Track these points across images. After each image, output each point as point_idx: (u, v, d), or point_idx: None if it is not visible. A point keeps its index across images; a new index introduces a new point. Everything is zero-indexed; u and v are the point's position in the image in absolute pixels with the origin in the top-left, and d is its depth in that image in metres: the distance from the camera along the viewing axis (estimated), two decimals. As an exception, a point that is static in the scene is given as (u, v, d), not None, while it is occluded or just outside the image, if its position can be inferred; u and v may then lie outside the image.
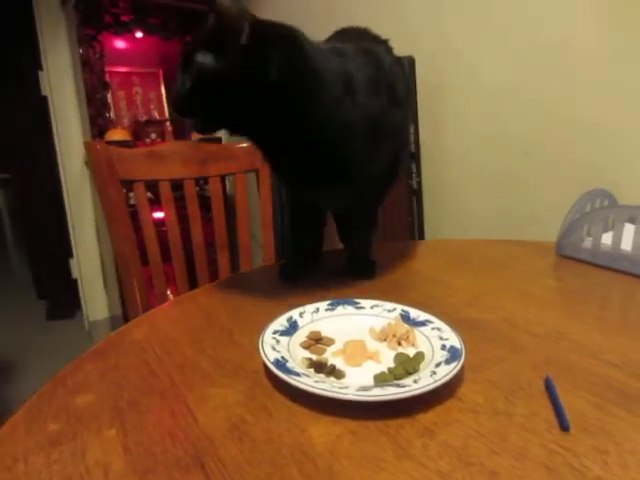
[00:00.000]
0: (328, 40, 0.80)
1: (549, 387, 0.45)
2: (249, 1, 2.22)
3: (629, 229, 0.76)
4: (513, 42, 1.15)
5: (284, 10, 1.97)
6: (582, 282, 0.76)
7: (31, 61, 2.25)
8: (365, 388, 0.43)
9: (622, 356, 0.51)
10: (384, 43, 0.81)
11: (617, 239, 0.78)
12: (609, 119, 1.01)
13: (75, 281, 2.47)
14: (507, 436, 0.39)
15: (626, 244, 0.77)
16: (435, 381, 0.43)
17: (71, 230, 2.37)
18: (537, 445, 0.38)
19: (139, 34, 2.15)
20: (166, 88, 2.37)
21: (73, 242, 2.39)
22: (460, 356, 0.47)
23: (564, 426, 0.40)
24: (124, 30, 2.07)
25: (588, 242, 0.83)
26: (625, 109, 0.98)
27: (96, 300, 2.47)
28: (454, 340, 0.51)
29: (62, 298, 2.67)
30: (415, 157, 1.28)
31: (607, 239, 0.79)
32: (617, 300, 0.72)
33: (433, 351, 0.50)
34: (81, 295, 2.46)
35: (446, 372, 0.44)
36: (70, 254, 2.44)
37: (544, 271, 0.83)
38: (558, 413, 0.41)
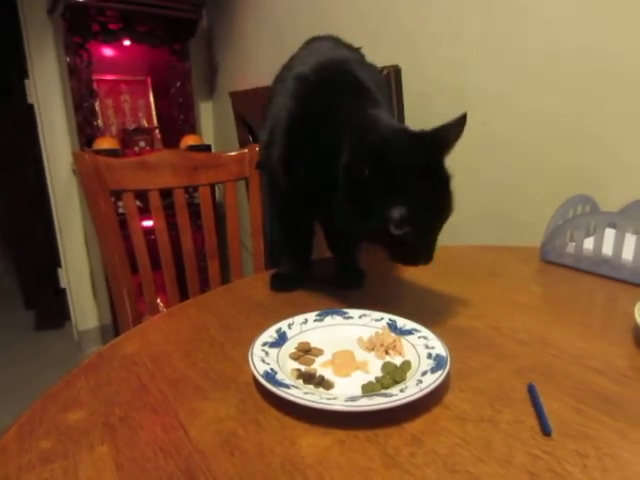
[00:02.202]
0: (300, 51, 0.82)
1: (532, 393, 0.46)
2: (232, 13, 2.23)
3: (610, 234, 0.78)
4: (499, 50, 1.17)
5: (268, 21, 1.98)
6: (566, 288, 0.78)
7: (17, 69, 2.24)
8: (353, 398, 0.44)
9: (605, 362, 0.53)
10: (356, 51, 0.82)
11: (598, 244, 0.80)
12: (592, 126, 1.03)
13: (63, 290, 2.45)
14: (492, 443, 0.40)
15: (607, 249, 0.79)
16: (421, 390, 0.44)
17: (59, 239, 2.35)
18: (521, 451, 0.39)
19: (127, 42, 2.14)
20: (154, 96, 2.36)
21: (61, 251, 2.37)
22: (446, 364, 0.48)
23: (546, 431, 0.41)
24: (112, 38, 2.07)
25: (571, 247, 0.85)
26: (607, 118, 1.00)
27: (85, 309, 2.45)
28: (440, 348, 0.52)
29: (50, 308, 2.64)
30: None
31: (589, 244, 0.81)
32: (600, 305, 0.74)
33: (419, 360, 0.51)
34: (70, 305, 2.44)
35: (432, 380, 0.45)
36: (58, 263, 2.42)
37: (529, 277, 0.84)
38: (541, 419, 0.43)
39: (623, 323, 0.61)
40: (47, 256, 2.55)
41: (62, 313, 2.57)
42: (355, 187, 0.59)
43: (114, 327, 2.21)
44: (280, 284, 0.79)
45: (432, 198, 0.58)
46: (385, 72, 1.18)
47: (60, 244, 2.36)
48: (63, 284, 2.44)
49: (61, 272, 2.43)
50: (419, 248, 0.59)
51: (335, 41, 0.81)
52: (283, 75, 0.77)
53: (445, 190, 0.60)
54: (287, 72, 0.76)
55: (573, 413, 0.44)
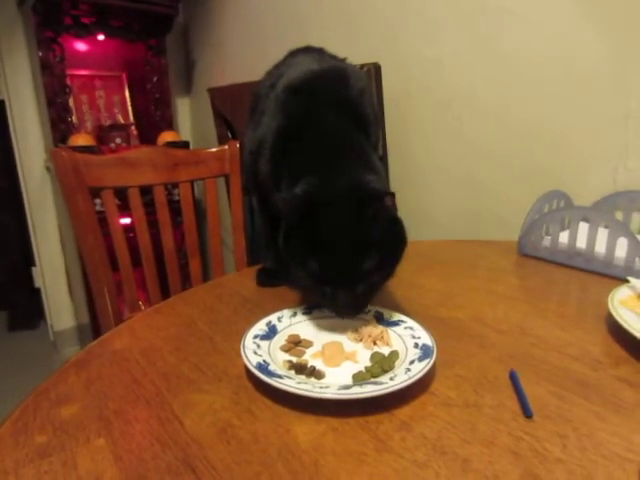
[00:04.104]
0: (283, 62, 0.82)
1: (514, 379, 0.49)
2: (209, 9, 2.21)
3: (583, 228, 0.82)
4: (475, 51, 1.20)
5: (246, 16, 1.97)
6: (542, 279, 0.81)
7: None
8: (345, 387, 0.46)
9: (580, 349, 0.55)
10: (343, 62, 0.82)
11: (573, 238, 0.83)
12: (566, 125, 1.07)
13: (38, 290, 2.40)
14: (477, 426, 0.42)
15: (581, 242, 0.82)
16: (410, 377, 0.46)
17: (33, 237, 2.29)
18: (504, 433, 0.41)
19: (101, 37, 2.10)
20: (130, 92, 2.32)
21: (35, 250, 2.31)
22: (432, 353, 0.50)
23: (527, 414, 0.43)
24: (85, 33, 2.02)
25: (547, 241, 0.88)
26: (580, 117, 1.04)
27: (61, 309, 2.39)
28: (426, 338, 0.54)
29: (24, 308, 2.58)
30: (383, 161, 1.31)
31: (564, 238, 0.85)
32: (574, 296, 0.77)
33: (407, 349, 0.53)
34: (45, 304, 2.38)
35: (420, 369, 0.47)
36: (32, 262, 2.37)
37: (508, 270, 0.87)
38: (522, 402, 0.45)
39: (596, 312, 0.64)
40: (20, 255, 2.49)
41: (37, 313, 2.51)
42: (287, 226, 0.59)
43: (92, 326, 2.18)
44: (266, 279, 0.80)
45: (346, 259, 0.55)
46: (365, 69, 1.19)
47: (34, 242, 2.30)
48: (38, 283, 2.38)
49: (35, 271, 2.37)
50: (336, 301, 0.58)
51: (321, 53, 0.81)
52: (272, 81, 0.75)
53: (364, 253, 0.56)
54: (276, 79, 0.74)
55: (552, 397, 0.46)
